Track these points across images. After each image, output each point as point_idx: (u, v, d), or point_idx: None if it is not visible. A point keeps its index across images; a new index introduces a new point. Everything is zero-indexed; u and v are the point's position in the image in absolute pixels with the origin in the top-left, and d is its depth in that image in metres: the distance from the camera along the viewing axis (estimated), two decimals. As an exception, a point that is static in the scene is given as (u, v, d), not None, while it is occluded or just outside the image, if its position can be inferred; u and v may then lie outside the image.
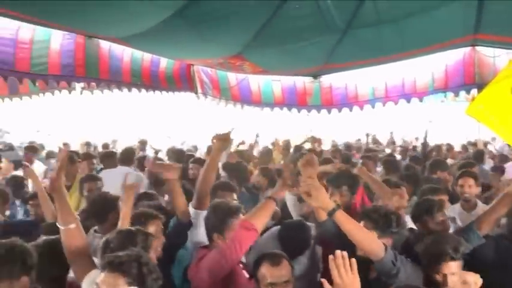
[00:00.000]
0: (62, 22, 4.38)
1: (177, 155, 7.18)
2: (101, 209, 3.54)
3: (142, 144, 8.02)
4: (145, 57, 6.45)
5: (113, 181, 4.63)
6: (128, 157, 5.64)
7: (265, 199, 2.94)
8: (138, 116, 13.92)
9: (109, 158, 5.97)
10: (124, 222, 2.97)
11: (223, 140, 3.21)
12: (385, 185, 3.85)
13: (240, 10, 3.85)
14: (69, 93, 7.39)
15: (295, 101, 7.66)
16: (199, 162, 6.18)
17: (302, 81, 7.51)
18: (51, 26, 4.66)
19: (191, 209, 3.14)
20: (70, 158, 5.33)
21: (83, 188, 4.94)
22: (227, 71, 7.46)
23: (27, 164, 5.02)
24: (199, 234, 3.08)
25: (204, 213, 3.05)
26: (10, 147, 9.22)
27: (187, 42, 4.80)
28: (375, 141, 11.84)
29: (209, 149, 6.58)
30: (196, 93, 8.20)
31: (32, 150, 6.64)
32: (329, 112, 7.55)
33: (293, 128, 12.98)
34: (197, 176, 3.68)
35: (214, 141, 3.20)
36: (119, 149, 8.91)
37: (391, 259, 2.40)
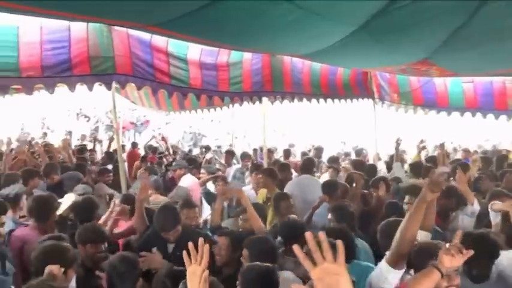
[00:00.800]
0: (256, 47, 4.83)
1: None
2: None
3: (318, 151, 8.25)
4: (323, 66, 6.63)
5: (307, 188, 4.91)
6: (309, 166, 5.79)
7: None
8: (313, 122, 14.35)
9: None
10: None
11: (435, 185, 2.20)
12: None
13: (431, 17, 3.57)
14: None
15: (492, 104, 6.67)
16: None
17: (502, 82, 6.49)
18: (243, 50, 5.23)
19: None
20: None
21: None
22: (409, 75, 7.02)
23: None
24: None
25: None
26: (207, 148, 10.73)
27: (369, 53, 4.73)
28: None
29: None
30: (373, 98, 7.99)
31: (231, 153, 7.51)
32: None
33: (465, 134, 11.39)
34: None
35: (426, 188, 2.21)
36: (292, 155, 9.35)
37: None
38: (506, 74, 6.09)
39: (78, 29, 3.83)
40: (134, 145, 10.53)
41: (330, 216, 3.54)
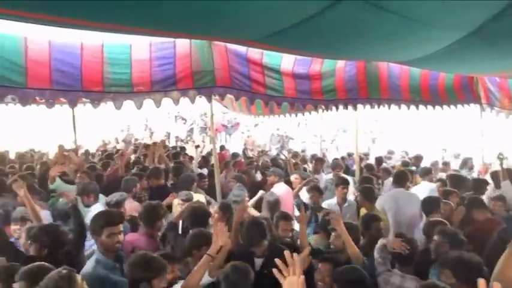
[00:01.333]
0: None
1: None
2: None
3: (417, 160, 7.76)
4: (423, 71, 6.23)
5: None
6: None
7: None
8: (408, 124, 13.51)
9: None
10: None
11: None
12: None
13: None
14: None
15: None
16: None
17: None
18: (339, 58, 5.13)
19: None
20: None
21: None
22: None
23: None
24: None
25: None
26: (295, 155, 10.69)
27: (480, 58, 4.31)
28: None
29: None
30: (480, 104, 7.30)
31: (320, 161, 7.30)
32: None
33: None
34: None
35: None
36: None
37: None
38: None
39: (183, 45, 4.10)
40: (222, 148, 10.95)
41: (437, 237, 3.27)
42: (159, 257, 2.60)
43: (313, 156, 8.87)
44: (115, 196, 4.13)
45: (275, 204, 4.35)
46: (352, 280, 2.59)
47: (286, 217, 3.62)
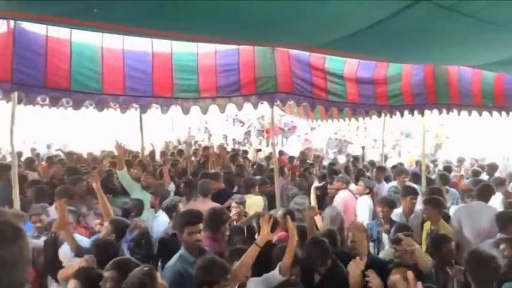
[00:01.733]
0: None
1: None
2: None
3: (492, 169, 7.22)
4: (497, 75, 5.82)
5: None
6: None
7: None
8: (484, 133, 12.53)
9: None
10: None
11: None
12: None
13: None
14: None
15: None
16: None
17: None
18: (406, 63, 4.95)
19: None
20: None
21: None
22: None
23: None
24: None
25: None
26: (355, 159, 10.39)
27: None
28: None
29: None
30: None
31: (382, 170, 6.96)
32: None
33: None
34: None
35: None
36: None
37: None
38: None
39: (246, 52, 4.17)
40: (281, 153, 10.90)
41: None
42: (223, 262, 2.64)
43: (373, 164, 8.52)
44: (172, 199, 4.33)
45: (336, 218, 4.26)
46: None
47: (360, 228, 3.46)
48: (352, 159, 9.95)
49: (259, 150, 9.75)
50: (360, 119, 9.56)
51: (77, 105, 3.80)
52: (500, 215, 4.00)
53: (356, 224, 3.46)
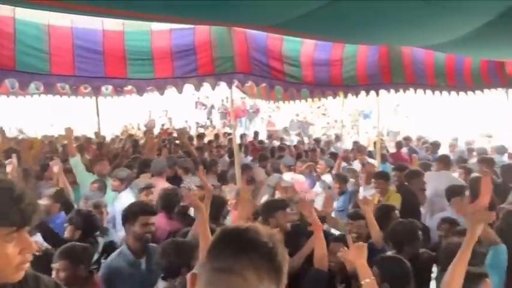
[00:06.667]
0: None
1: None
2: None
3: (435, 147, 7.59)
4: (448, 55, 6.05)
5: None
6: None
7: None
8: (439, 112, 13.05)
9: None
10: None
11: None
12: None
13: None
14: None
15: None
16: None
17: None
18: (362, 43, 5.03)
19: None
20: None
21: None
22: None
23: None
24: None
25: None
26: (317, 141, 10.63)
27: (507, 43, 4.16)
28: None
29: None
30: (508, 87, 7.06)
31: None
32: None
33: None
34: None
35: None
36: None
37: None
38: None
39: (202, 32, 4.09)
40: (243, 136, 10.93)
41: None
42: (187, 241, 2.65)
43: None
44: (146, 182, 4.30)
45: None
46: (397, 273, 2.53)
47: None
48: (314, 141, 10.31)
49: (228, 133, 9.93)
50: (323, 99, 9.76)
51: (22, 87, 3.60)
52: (448, 188, 4.23)
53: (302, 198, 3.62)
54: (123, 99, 9.91)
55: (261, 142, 10.28)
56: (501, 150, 7.31)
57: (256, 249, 0.93)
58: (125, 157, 6.25)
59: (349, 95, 5.98)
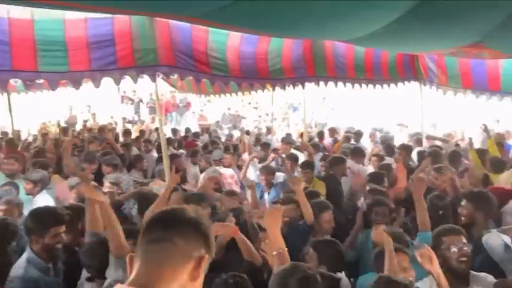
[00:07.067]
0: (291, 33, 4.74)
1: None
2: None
3: (358, 136, 8.12)
4: (367, 50, 6.40)
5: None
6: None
7: None
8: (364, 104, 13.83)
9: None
10: None
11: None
12: None
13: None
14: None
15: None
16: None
17: None
18: (284, 37, 5.14)
19: None
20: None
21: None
22: (459, 57, 6.63)
23: None
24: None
25: None
26: (247, 133, 10.75)
27: (417, 38, 4.49)
28: None
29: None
30: (420, 80, 7.63)
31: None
32: None
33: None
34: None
35: None
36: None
37: None
38: None
39: (122, 21, 3.90)
40: (174, 131, 10.72)
41: None
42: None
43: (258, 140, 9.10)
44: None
45: None
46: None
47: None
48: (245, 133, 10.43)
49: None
50: (253, 93, 9.85)
51: None
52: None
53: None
54: (41, 94, 9.25)
55: (196, 135, 10.32)
56: (417, 138, 7.99)
57: (183, 221, 1.13)
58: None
59: (277, 88, 6.17)
